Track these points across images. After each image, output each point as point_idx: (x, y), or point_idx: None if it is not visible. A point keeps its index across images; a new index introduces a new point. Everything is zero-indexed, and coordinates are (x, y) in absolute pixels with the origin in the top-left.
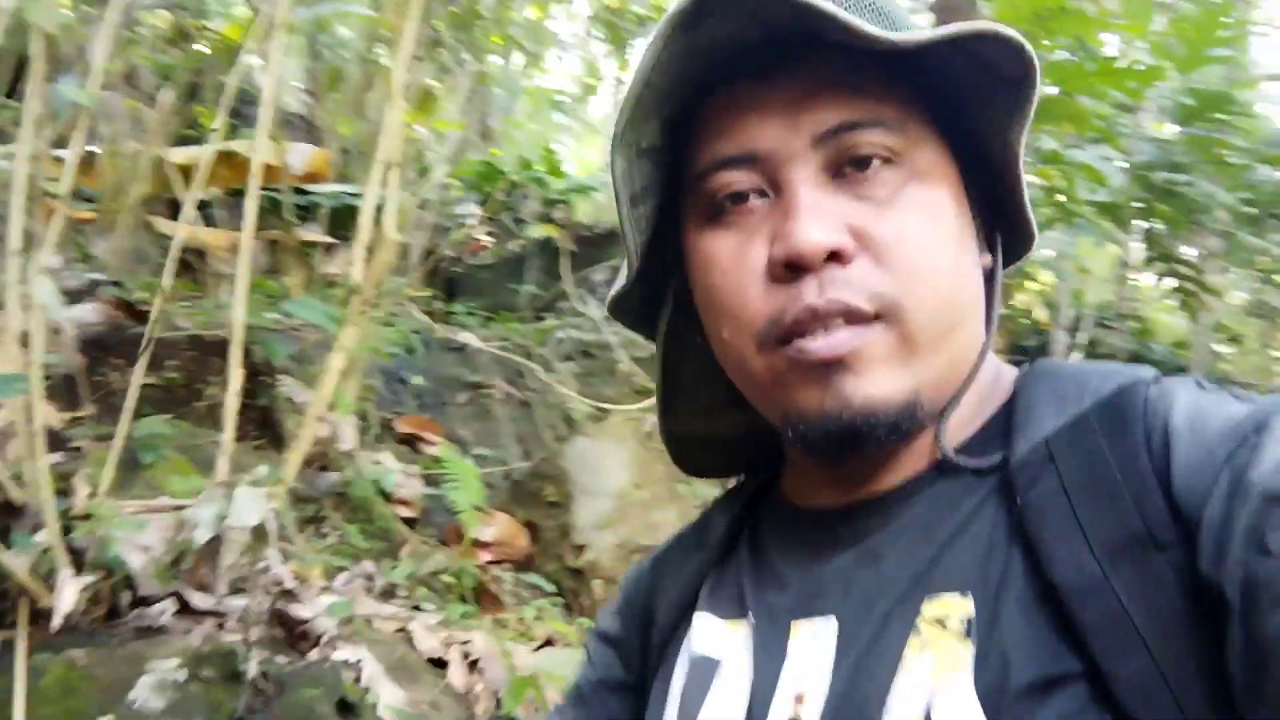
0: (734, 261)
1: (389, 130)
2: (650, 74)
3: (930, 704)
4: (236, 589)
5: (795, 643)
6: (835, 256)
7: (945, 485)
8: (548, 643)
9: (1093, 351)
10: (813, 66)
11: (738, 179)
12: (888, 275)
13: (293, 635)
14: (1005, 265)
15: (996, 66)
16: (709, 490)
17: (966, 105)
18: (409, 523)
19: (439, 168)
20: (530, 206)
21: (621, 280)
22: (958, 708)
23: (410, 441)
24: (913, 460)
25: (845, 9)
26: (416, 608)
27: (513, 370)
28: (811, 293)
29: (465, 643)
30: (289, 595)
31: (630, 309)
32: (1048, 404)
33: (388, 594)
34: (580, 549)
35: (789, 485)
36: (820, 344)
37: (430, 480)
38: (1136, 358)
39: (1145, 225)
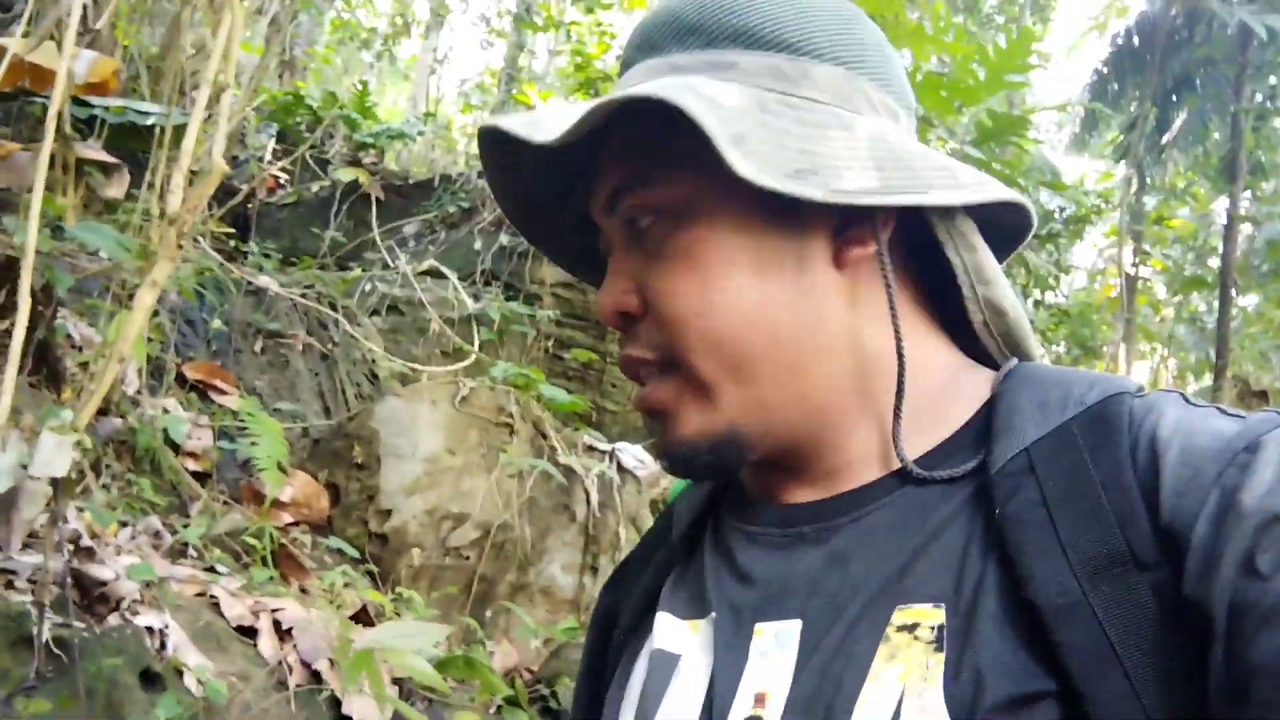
0: None
1: (223, 47)
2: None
3: (898, 715)
4: (26, 545)
5: (758, 642)
6: (628, 315)
7: (915, 490)
8: (363, 611)
9: None
10: (618, 139)
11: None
12: (661, 328)
13: (91, 598)
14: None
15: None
16: (525, 459)
17: None
18: (199, 478)
19: (235, 91)
20: (337, 147)
21: None
22: None
23: (200, 390)
24: (864, 465)
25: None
26: (211, 569)
27: (314, 321)
28: (627, 347)
29: (276, 610)
30: (87, 554)
31: None
32: (1029, 411)
33: (178, 554)
34: (386, 514)
35: (751, 478)
36: (642, 395)
37: (223, 433)
38: None
39: None
